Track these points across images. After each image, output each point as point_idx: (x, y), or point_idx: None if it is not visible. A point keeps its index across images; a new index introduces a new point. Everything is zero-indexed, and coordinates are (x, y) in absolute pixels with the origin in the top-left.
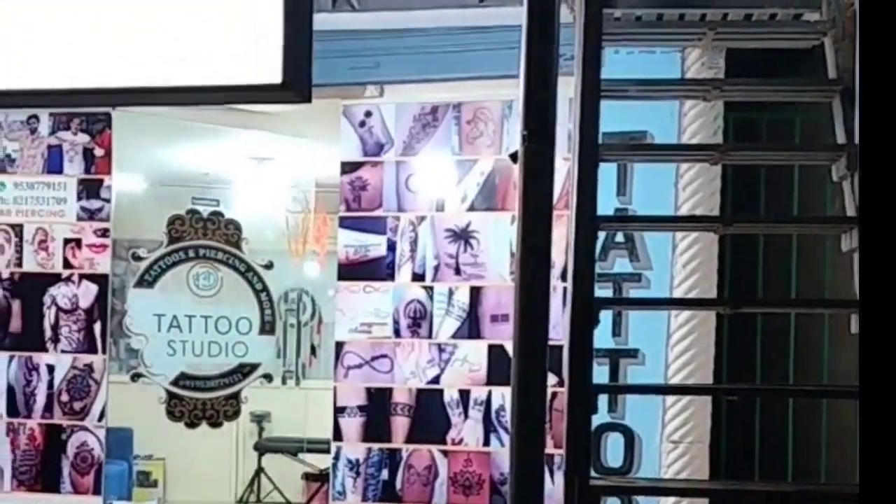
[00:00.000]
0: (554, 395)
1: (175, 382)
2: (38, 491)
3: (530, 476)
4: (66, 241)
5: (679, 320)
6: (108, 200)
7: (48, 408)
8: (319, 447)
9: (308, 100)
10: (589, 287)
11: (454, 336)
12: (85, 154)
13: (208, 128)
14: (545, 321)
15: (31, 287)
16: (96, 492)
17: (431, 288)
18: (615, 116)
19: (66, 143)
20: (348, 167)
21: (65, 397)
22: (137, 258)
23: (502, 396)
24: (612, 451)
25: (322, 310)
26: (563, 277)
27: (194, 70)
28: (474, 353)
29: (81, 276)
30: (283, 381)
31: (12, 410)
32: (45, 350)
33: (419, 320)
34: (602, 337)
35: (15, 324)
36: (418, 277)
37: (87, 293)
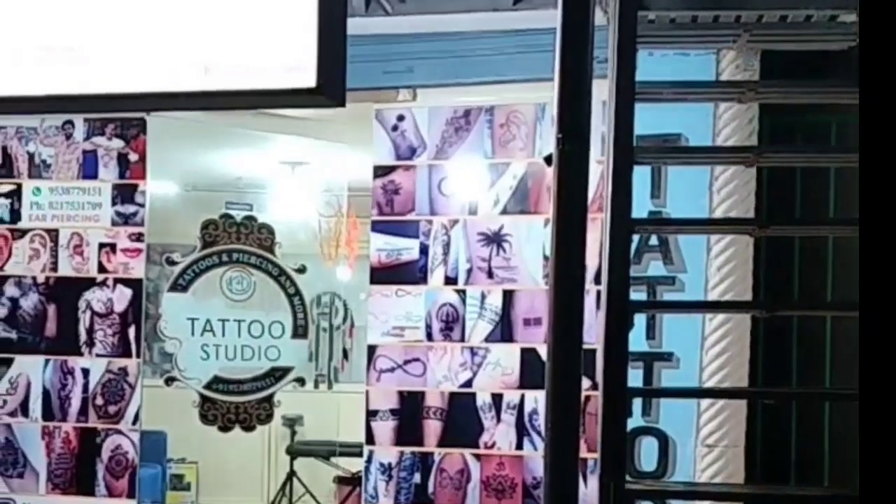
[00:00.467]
0: (587, 398)
1: (208, 386)
2: (73, 494)
3: (565, 480)
4: (101, 246)
5: (714, 323)
6: (142, 205)
7: (83, 411)
8: (352, 451)
9: (342, 104)
10: (623, 290)
11: (487, 340)
12: (119, 159)
13: (242, 132)
14: (579, 325)
15: (67, 291)
16: (130, 495)
17: (464, 291)
18: (649, 119)
19: (101, 148)
20: (381, 171)
21: (99, 401)
22: (171, 262)
23: (535, 400)
24: (647, 454)
25: (354, 313)
26: (597, 280)
27: (228, 75)
28: (507, 357)
29: (116, 281)
30: (316, 385)
31: (48, 414)
32: (80, 354)
33: (452, 324)
34: (636, 340)
35: (50, 328)
36: (451, 281)
37: (121, 297)
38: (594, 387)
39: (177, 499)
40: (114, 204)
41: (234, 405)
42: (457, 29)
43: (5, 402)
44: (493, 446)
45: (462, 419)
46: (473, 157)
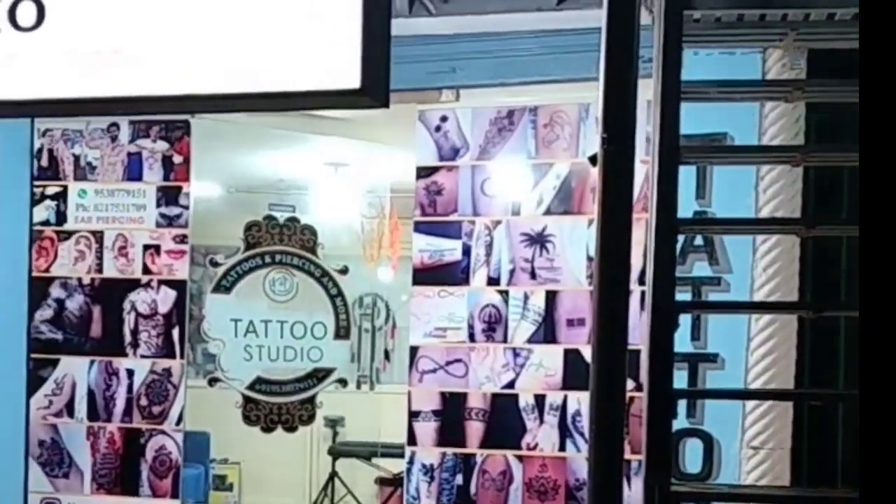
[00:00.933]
0: (631, 399)
1: (251, 387)
2: (118, 494)
3: (609, 482)
4: (146, 248)
5: (759, 324)
6: (186, 207)
7: (127, 412)
8: (393, 452)
9: (386, 105)
10: (668, 291)
11: (529, 340)
12: (164, 161)
13: (285, 134)
14: (624, 326)
15: (111, 293)
16: (174, 495)
17: (507, 292)
18: (694, 118)
19: (146, 150)
20: (424, 172)
21: (144, 401)
22: (215, 264)
23: (578, 401)
24: (691, 456)
25: (396, 314)
26: (641, 281)
27: (272, 76)
28: (550, 358)
29: (160, 282)
30: (358, 386)
31: (93, 414)
32: (125, 355)
33: (494, 325)
34: (681, 341)
35: (95, 329)
36: (493, 282)
37: (165, 299)
38: (638, 388)
39: (219, 499)
40: (158, 206)
41: (277, 406)
42: (500, 29)
43: (51, 402)
44: (535, 448)
45: (504, 420)
46: (517, 158)
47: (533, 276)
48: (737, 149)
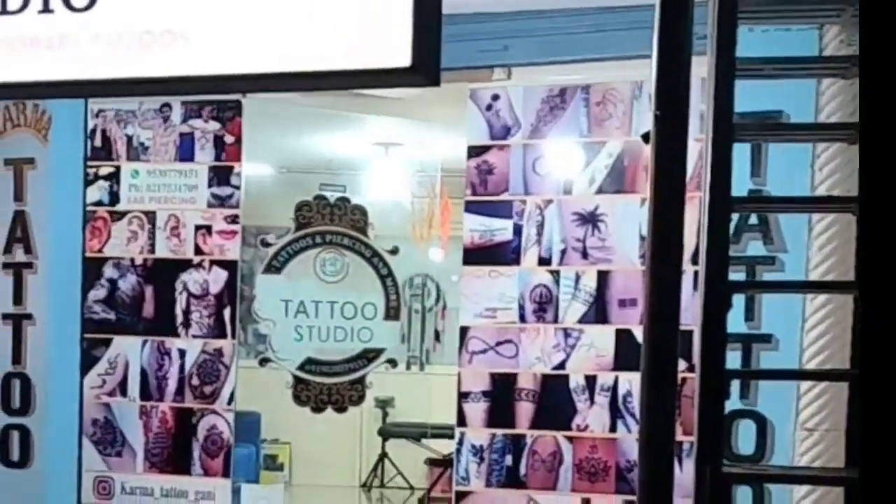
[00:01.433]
0: (683, 380)
1: (301, 367)
2: (170, 473)
3: (660, 464)
4: (197, 228)
5: (815, 304)
6: (237, 187)
7: (179, 391)
8: (443, 432)
9: (437, 83)
10: (722, 270)
11: (580, 321)
12: (216, 141)
13: (335, 114)
14: (676, 306)
15: (164, 273)
16: (225, 474)
17: (558, 272)
18: (749, 96)
19: (198, 130)
20: (475, 151)
21: (195, 381)
22: (266, 244)
23: (629, 382)
24: (744, 438)
25: (446, 295)
26: (694, 261)
27: (323, 55)
28: (601, 338)
29: (212, 263)
30: (408, 367)
31: (145, 394)
32: (177, 335)
33: (545, 305)
34: (734, 321)
35: (147, 309)
36: (544, 262)
37: (217, 279)
38: (690, 369)
39: (270, 478)
40: (210, 186)
41: (327, 386)
42: (552, 7)
43: (104, 381)
44: (585, 429)
45: (555, 401)
46: (569, 136)
47: (584, 255)
48: (793, 126)
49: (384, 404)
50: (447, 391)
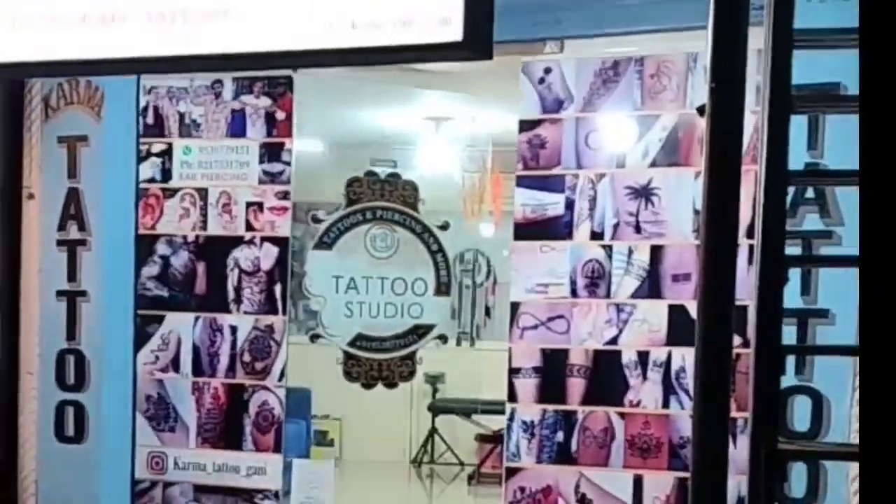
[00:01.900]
0: (738, 356)
1: (352, 343)
2: (222, 448)
3: (713, 440)
4: (249, 205)
5: None
6: (288, 164)
7: (231, 368)
8: (493, 408)
9: (489, 57)
10: (778, 245)
11: (633, 296)
12: (267, 118)
13: (386, 89)
14: (731, 280)
15: (215, 250)
16: (276, 450)
17: (610, 247)
18: (807, 67)
19: (249, 106)
20: (527, 125)
21: (247, 357)
22: (317, 220)
23: (683, 358)
24: (799, 414)
25: (497, 270)
26: (749, 235)
27: (374, 30)
28: (654, 314)
29: (263, 239)
30: (458, 343)
31: (197, 370)
32: (229, 311)
33: (597, 280)
34: (790, 296)
35: (200, 286)
36: (597, 236)
37: (268, 255)
38: (745, 344)
39: (321, 454)
40: (261, 162)
41: (377, 362)
42: None
43: (157, 357)
44: (638, 405)
45: (606, 377)
46: (622, 109)
47: (637, 230)
48: (850, 98)
49: (434, 380)
50: (497, 367)
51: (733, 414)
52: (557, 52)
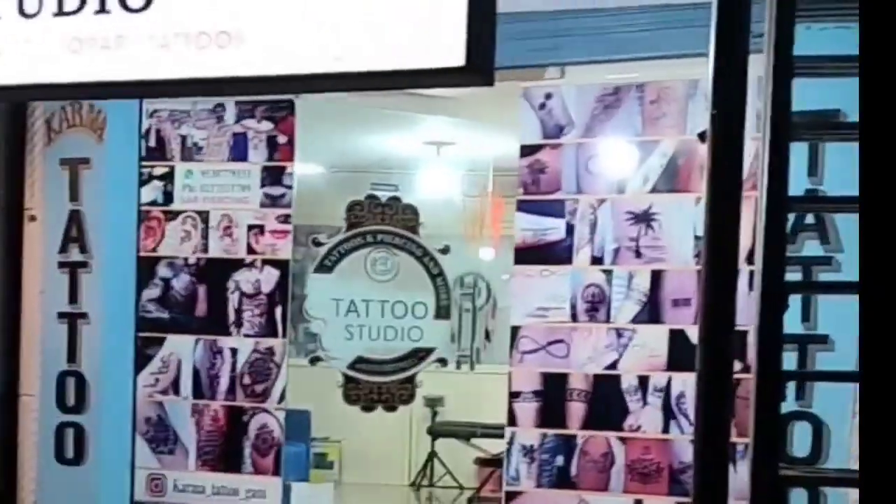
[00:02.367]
0: (738, 381)
1: (352, 366)
2: (221, 470)
3: (714, 465)
4: (250, 228)
5: None
6: (290, 187)
7: (231, 390)
8: (493, 432)
9: (491, 83)
10: (778, 271)
11: (633, 321)
12: (268, 141)
13: (387, 114)
14: (732, 306)
15: (216, 272)
16: (276, 472)
17: (610, 271)
18: (807, 95)
19: (251, 130)
20: (527, 150)
21: (247, 380)
22: (317, 244)
23: (683, 383)
24: (800, 440)
25: (497, 294)
26: (750, 261)
27: (376, 55)
28: (654, 339)
29: (264, 262)
30: (458, 366)
31: (197, 392)
32: (229, 334)
33: (597, 304)
34: (790, 322)
35: (200, 308)
36: (597, 261)
37: (268, 278)
38: (745, 369)
39: (320, 477)
40: (262, 186)
41: (377, 385)
42: (605, 5)
43: (157, 380)
44: (638, 429)
45: (607, 401)
46: (622, 135)
47: (638, 255)
48: (850, 125)
49: (434, 403)
50: (497, 391)
51: (734, 439)
52: (558, 78)
